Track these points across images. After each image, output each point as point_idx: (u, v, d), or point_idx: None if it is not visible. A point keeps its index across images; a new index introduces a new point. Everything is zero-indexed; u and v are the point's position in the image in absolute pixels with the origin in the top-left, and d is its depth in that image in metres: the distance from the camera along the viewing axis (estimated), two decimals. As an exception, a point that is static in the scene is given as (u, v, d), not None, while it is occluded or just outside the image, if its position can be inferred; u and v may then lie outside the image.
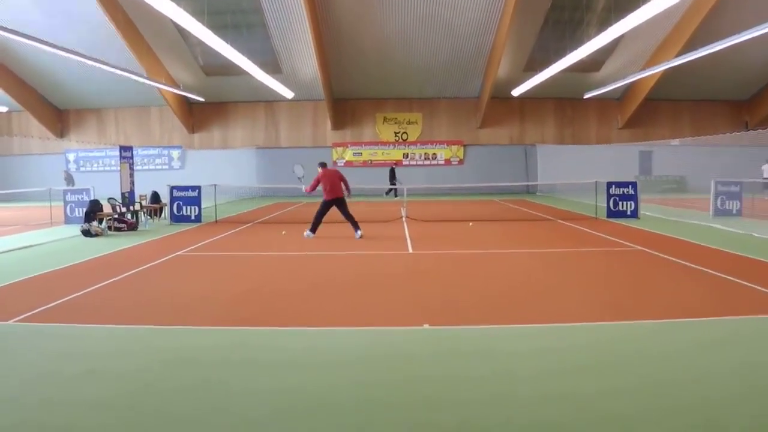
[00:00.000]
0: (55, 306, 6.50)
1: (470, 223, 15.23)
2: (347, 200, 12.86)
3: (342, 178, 12.78)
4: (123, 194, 15.38)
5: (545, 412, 3.71)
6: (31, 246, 11.56)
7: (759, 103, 30.02)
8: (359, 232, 12.53)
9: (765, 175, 24.28)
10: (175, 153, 31.18)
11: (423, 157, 30.90)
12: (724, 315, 5.94)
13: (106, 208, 14.88)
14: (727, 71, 27.03)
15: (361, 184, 26.36)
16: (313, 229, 12.64)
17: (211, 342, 5.29)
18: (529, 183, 29.26)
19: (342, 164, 30.59)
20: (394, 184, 27.89)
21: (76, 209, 15.84)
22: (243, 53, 19.22)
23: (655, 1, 12.25)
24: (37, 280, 8.16)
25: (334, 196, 12.57)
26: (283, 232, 13.55)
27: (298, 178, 14.74)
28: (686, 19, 23.32)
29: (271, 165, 29.96)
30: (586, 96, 27.09)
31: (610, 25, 15.52)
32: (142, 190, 17.12)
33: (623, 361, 4.65)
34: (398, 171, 29.04)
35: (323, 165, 12.96)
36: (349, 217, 12.73)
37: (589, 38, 17.79)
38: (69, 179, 28.39)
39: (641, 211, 16.14)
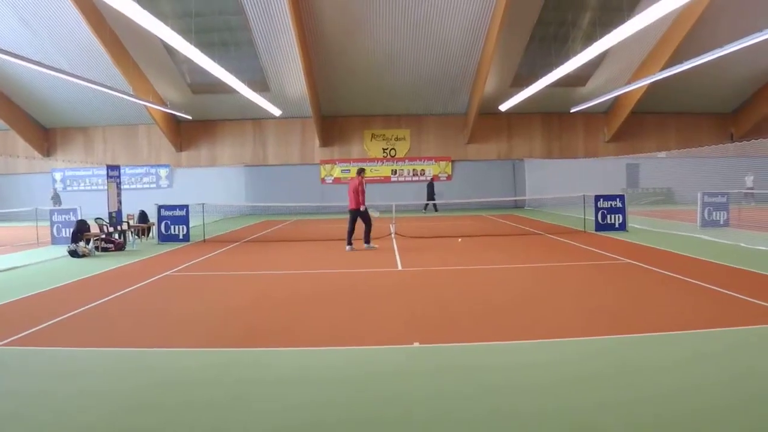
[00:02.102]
0: (42, 329, 6.39)
1: (459, 239, 15.24)
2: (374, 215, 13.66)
3: (354, 190, 13.18)
4: (110, 214, 15.23)
5: (540, 427, 3.68)
6: (16, 267, 11.42)
7: (743, 115, 30.46)
8: (349, 246, 13.13)
9: (748, 185, 24.64)
10: (163, 171, 31.03)
11: (411, 173, 30.94)
12: (714, 327, 5.95)
13: (94, 228, 14.74)
14: (712, 85, 27.43)
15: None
16: (350, 242, 13.26)
17: (201, 363, 5.23)
18: (518, 198, 29.33)
19: (331, 181, 30.65)
20: (434, 199, 28.11)
21: (63, 229, 15.69)
22: (230, 71, 19.24)
23: (639, 16, 12.44)
24: (23, 302, 8.03)
25: (351, 207, 13.25)
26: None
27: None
28: (671, 33, 23.67)
29: (260, 183, 29.93)
30: (573, 110, 27.35)
31: (596, 40, 15.75)
32: (130, 209, 17.01)
33: (614, 375, 4.64)
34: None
35: (360, 171, 13.66)
36: (367, 225, 13.34)
37: (575, 53, 18.02)
38: (56, 199, 28.13)
39: (629, 224, 16.25)
